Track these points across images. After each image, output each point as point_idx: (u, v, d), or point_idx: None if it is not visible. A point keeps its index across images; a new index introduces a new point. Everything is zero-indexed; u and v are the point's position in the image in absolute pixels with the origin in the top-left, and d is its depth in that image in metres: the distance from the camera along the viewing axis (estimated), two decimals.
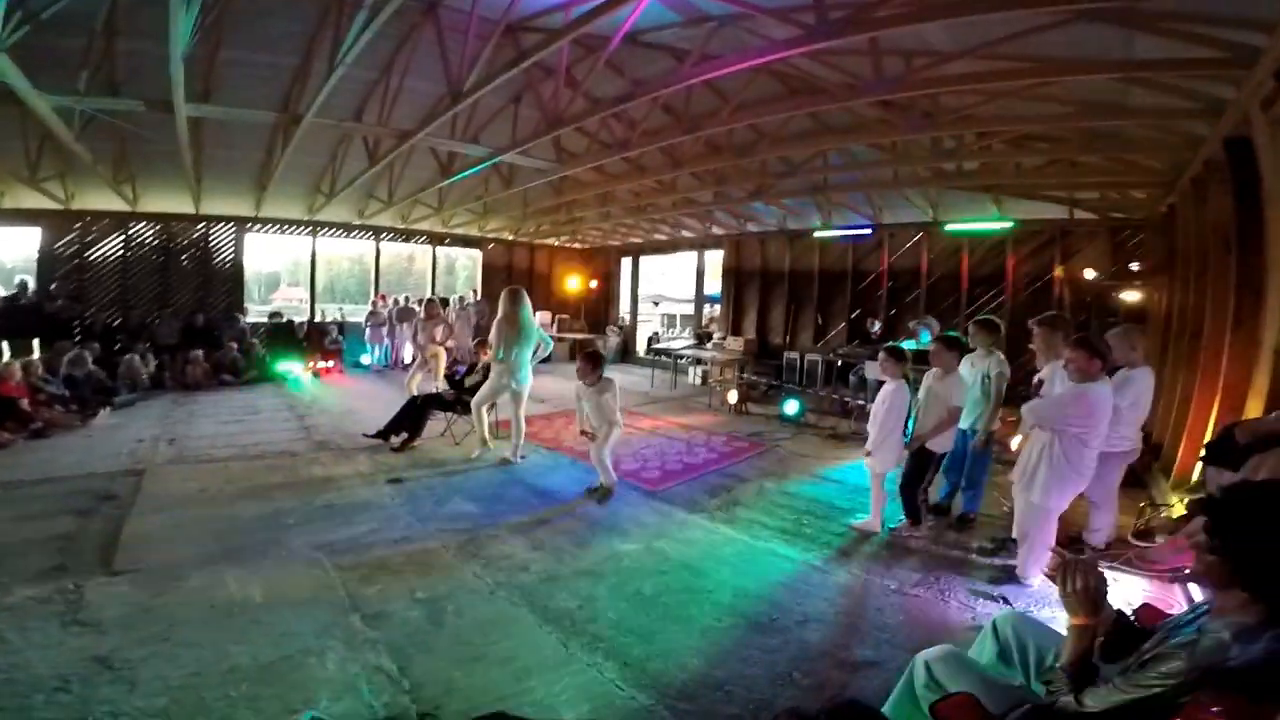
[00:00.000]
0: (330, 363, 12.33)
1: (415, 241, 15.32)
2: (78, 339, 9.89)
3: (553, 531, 4.60)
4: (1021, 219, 9.51)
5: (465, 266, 20.16)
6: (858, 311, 11.51)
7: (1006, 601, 3.64)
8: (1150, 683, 1.48)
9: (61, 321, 10.20)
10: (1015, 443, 4.94)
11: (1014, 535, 4.27)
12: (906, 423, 4.74)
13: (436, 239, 15.27)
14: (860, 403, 8.52)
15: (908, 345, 6.60)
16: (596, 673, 2.87)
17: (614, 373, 5.61)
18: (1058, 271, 9.47)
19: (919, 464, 4.61)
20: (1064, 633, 2.12)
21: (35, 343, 9.58)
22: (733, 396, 9.49)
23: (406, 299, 13.89)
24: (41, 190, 9.36)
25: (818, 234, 11.92)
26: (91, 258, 11.41)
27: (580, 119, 6.62)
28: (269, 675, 2.69)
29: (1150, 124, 5.77)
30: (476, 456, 6.43)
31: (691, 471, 6.28)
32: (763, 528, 4.81)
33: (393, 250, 16.32)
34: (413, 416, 6.92)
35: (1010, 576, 3.92)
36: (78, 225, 11.14)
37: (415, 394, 7.72)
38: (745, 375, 10.56)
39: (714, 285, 15.55)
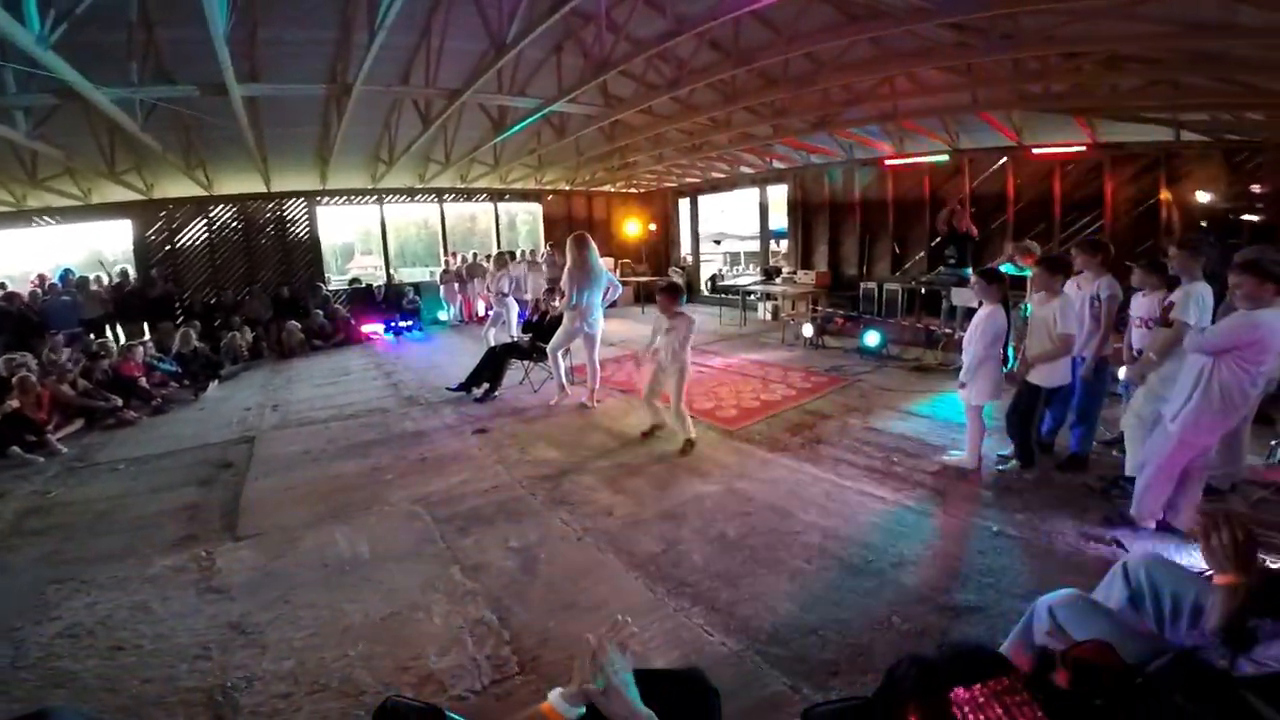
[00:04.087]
0: (410, 321, 12.81)
1: (476, 200, 15.41)
2: (180, 319, 10.64)
3: (633, 475, 4.65)
4: (1120, 141, 8.62)
5: (525, 221, 20.19)
6: (938, 239, 10.81)
7: (1121, 546, 3.38)
8: None
9: (165, 304, 11.00)
10: (1122, 372, 4.51)
11: (1127, 473, 3.97)
12: (1006, 352, 4.42)
13: (496, 195, 15.31)
14: (949, 331, 8.09)
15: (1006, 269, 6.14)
16: (684, 618, 2.88)
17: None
18: (1164, 195, 8.55)
19: (1029, 397, 4.26)
20: (1201, 578, 1.94)
21: (145, 326, 10.35)
22: (808, 330, 9.20)
23: (474, 255, 14.12)
24: (122, 183, 9.91)
25: (889, 162, 11.17)
26: (180, 242, 12.11)
27: (626, 61, 6.38)
28: (381, 633, 2.85)
29: (1265, 44, 4.99)
30: (555, 403, 6.57)
31: (770, 409, 6.16)
32: (850, 466, 4.67)
33: (455, 211, 16.52)
34: (492, 367, 7.10)
35: (1124, 519, 3.61)
36: (163, 213, 11.79)
37: (493, 344, 7.89)
38: (820, 308, 10.19)
39: (778, 220, 14.97)
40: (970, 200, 10.35)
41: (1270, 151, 7.61)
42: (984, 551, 3.40)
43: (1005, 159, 9.99)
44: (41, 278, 10.61)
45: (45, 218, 10.90)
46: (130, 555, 3.69)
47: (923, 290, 9.63)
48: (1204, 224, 7.92)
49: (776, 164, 13.23)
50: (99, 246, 15.63)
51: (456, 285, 13.79)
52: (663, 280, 6.96)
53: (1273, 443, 4.29)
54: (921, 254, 11.25)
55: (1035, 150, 9.40)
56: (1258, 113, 7.06)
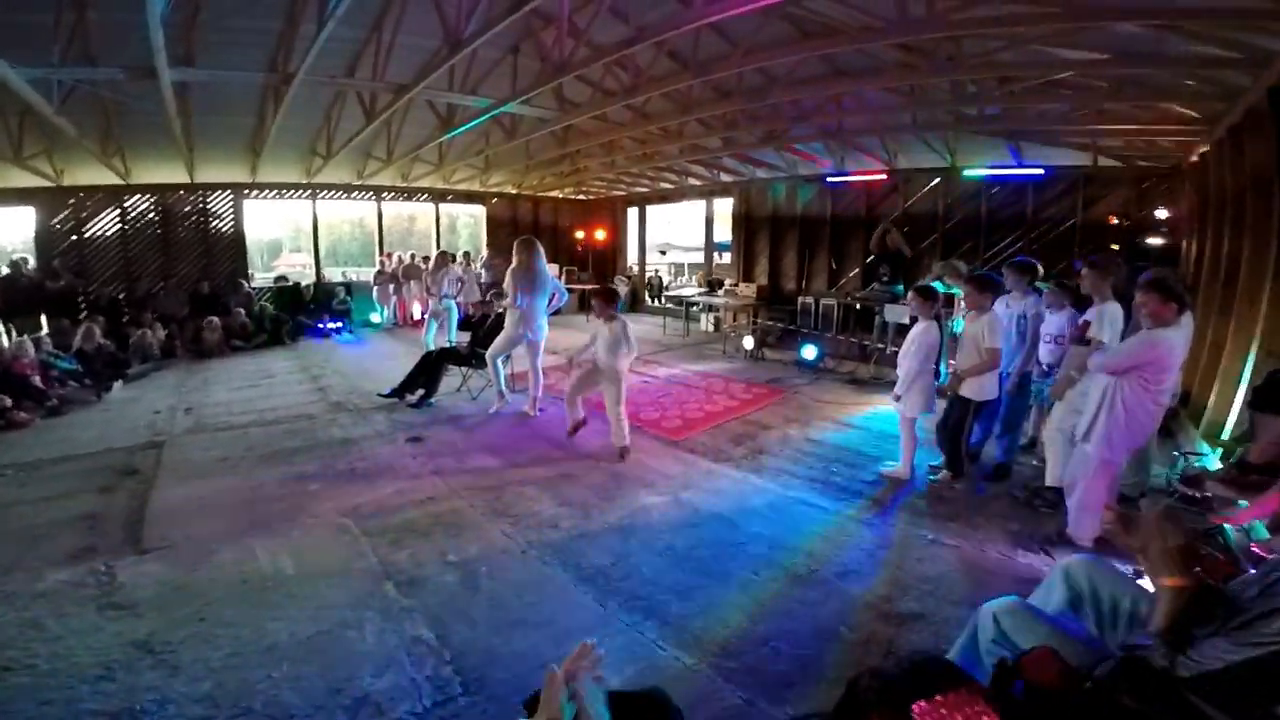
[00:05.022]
0: (339, 323, 12.25)
1: (417, 200, 14.94)
2: (84, 314, 9.81)
3: (577, 485, 4.55)
4: (1043, 164, 9.20)
5: (467, 225, 19.79)
6: (872, 257, 11.21)
7: (1048, 554, 3.55)
8: (1266, 640, 1.36)
9: (66, 298, 10.08)
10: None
11: (1048, 483, 4.22)
12: (938, 366, 4.58)
13: (438, 196, 14.88)
14: (880, 347, 8.36)
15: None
16: (637, 633, 2.83)
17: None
18: (1079, 217, 9.18)
19: (959, 410, 4.41)
20: (1139, 581, 2.01)
21: (43, 320, 9.48)
22: (749, 342, 9.34)
23: (412, 256, 13.68)
24: (29, 168, 9.15)
25: (830, 179, 11.54)
26: (89, 233, 11.20)
27: (585, 65, 6.31)
28: (309, 652, 2.65)
29: (1185, 72, 5.44)
30: (494, 411, 6.37)
31: (713, 419, 6.19)
32: (792, 477, 4.73)
33: (394, 210, 15.99)
34: (428, 372, 6.85)
35: (1063, 538, 3.73)
36: (72, 201, 10.90)
37: (430, 348, 7.60)
38: (760, 321, 10.36)
39: (722, 233, 15.19)
40: (904, 219, 10.81)
41: (1176, 178, 8.24)
42: (922, 559, 3.50)
43: (938, 179, 10.47)
44: None
45: None
46: (17, 569, 3.29)
47: (858, 306, 9.93)
48: (1114, 246, 8.54)
49: (724, 177, 13.45)
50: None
51: (391, 287, 13.30)
52: (600, 286, 6.89)
53: (1175, 453, 4.59)
54: (857, 270, 11.64)
55: (966, 171, 9.89)
56: (1169, 138, 7.62)
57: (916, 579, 3.28)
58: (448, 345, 7.70)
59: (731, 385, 7.58)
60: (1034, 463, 4.89)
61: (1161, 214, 8.14)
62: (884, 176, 10.85)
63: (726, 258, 15.33)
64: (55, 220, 10.86)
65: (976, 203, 10.14)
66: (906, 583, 3.25)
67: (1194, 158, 7.35)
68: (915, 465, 4.71)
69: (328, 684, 2.45)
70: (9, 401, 6.23)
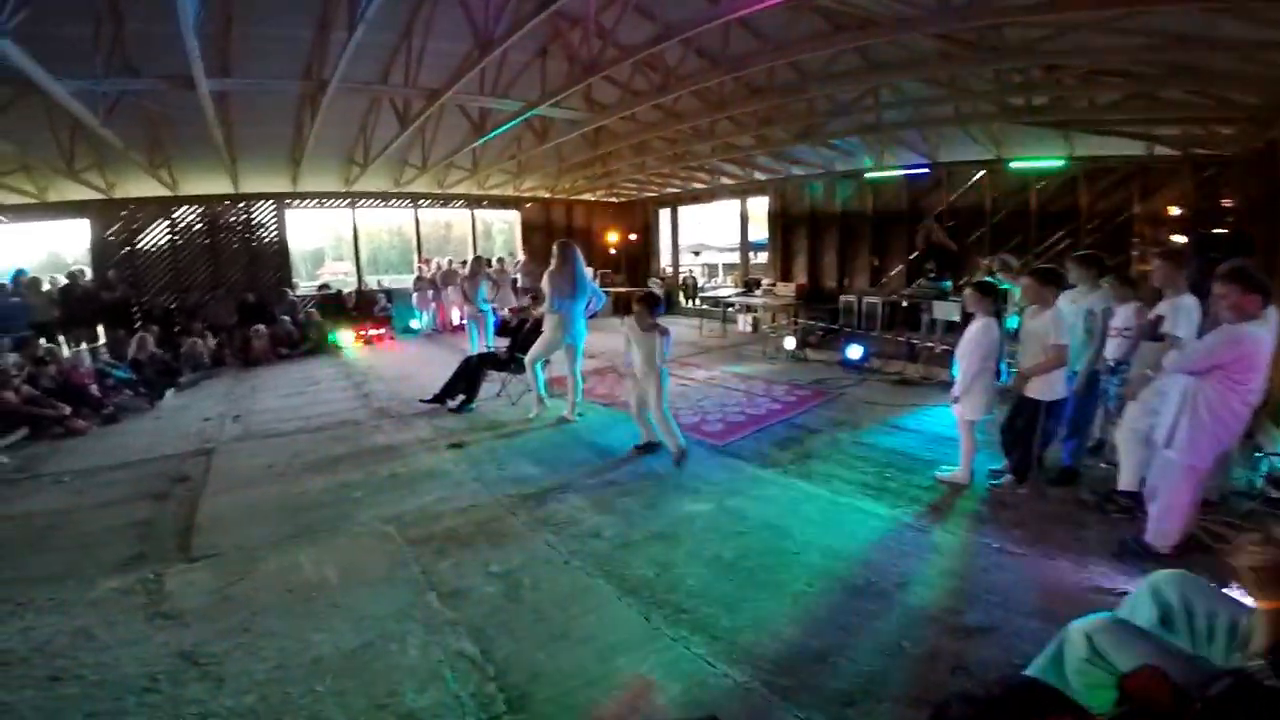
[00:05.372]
0: (381, 330, 12.42)
1: (453, 206, 15.11)
2: (137, 324, 10.12)
3: (620, 492, 4.44)
4: (1095, 155, 8.78)
5: (501, 230, 19.90)
6: (916, 253, 10.87)
7: (1124, 563, 3.32)
8: None
9: (121, 308, 10.41)
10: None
11: (1121, 488, 3.99)
12: (998, 365, 4.35)
13: (473, 202, 15.01)
14: (929, 345, 8.07)
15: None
16: (684, 648, 2.70)
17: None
18: (1137, 208, 8.72)
19: (1028, 412, 4.16)
20: (1234, 598, 1.86)
21: (99, 330, 9.81)
22: (790, 343, 9.12)
23: (450, 262, 13.82)
24: (82, 181, 9.45)
25: (870, 174, 11.24)
26: (141, 244, 11.56)
27: (612, 64, 6.26)
28: (352, 666, 2.60)
29: (1242, 57, 5.12)
30: (534, 416, 6.32)
31: (756, 423, 6.02)
32: (843, 482, 4.55)
33: (430, 217, 16.20)
34: (467, 378, 6.85)
35: (1140, 545, 3.49)
36: (123, 213, 11.26)
37: (470, 354, 7.62)
38: (800, 320, 10.14)
39: (757, 232, 14.98)
40: (949, 213, 10.46)
41: (1238, 166, 7.78)
42: (987, 569, 3.31)
43: (983, 172, 10.11)
44: None
45: None
46: (72, 576, 3.35)
47: (904, 303, 9.62)
48: (1177, 237, 8.10)
49: (758, 175, 13.24)
50: (58, 248, 14.97)
51: (430, 293, 13.44)
52: (640, 290, 6.79)
53: (1256, 455, 4.28)
54: (900, 267, 11.30)
55: (1013, 164, 9.52)
56: (1228, 127, 7.20)
57: (983, 590, 3.08)
58: (487, 350, 7.69)
59: (774, 387, 7.39)
60: (1102, 465, 4.62)
61: (1225, 203, 7.69)
62: (926, 170, 10.53)
63: (762, 257, 15.12)
64: (109, 232, 11.24)
65: (1025, 195, 9.77)
66: (972, 594, 3.05)
67: (1259, 144, 6.91)
68: (974, 469, 4.47)
69: (370, 700, 2.40)
70: (68, 410, 6.45)
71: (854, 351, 8.32)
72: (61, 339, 9.27)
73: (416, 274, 13.89)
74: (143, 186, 10.51)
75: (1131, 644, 1.74)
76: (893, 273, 11.48)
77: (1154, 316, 3.91)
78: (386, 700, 2.39)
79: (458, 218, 17.25)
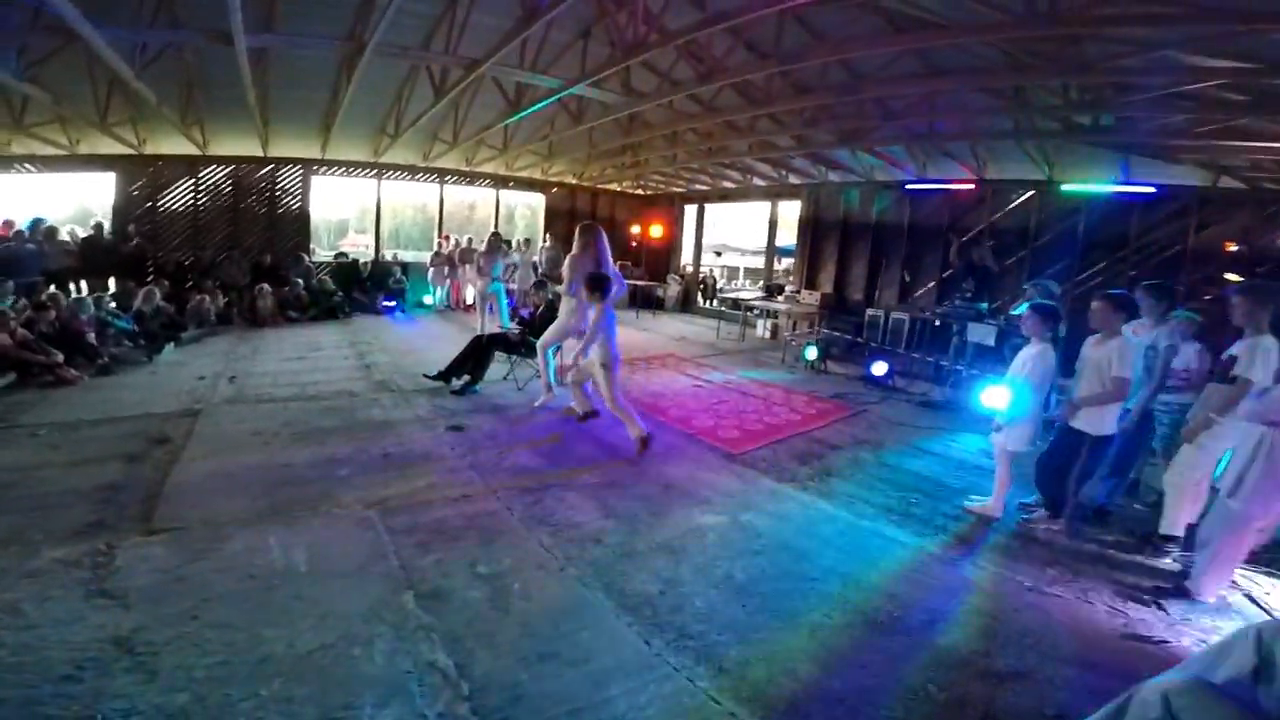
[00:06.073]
0: (394, 302, 12.26)
1: (479, 184, 14.89)
2: (150, 277, 9.98)
3: (624, 495, 4.11)
4: (1155, 182, 8.30)
5: (524, 215, 19.70)
6: (951, 270, 10.42)
7: (1162, 609, 3.12)
8: None
9: (136, 260, 10.34)
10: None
11: (1163, 531, 3.81)
12: (1049, 394, 4.01)
13: (500, 182, 14.78)
14: (958, 368, 7.66)
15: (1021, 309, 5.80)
16: (687, 679, 2.38)
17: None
18: (1191, 240, 8.24)
19: (1070, 444, 3.81)
20: None
21: (111, 281, 9.69)
22: (812, 353, 8.73)
23: (469, 240, 13.58)
24: (114, 135, 9.35)
25: (909, 186, 10.79)
26: (164, 200, 11.49)
27: (658, 46, 6.07)
28: (306, 669, 2.28)
29: None
30: (540, 404, 6.01)
31: (774, 433, 5.66)
32: (865, 504, 4.20)
33: (455, 197, 16.01)
34: (475, 357, 6.55)
35: (1169, 582, 3.38)
36: (150, 169, 11.19)
37: (480, 332, 7.33)
38: (823, 330, 9.75)
39: (785, 237, 14.59)
40: (990, 233, 10.01)
41: None
42: (1019, 609, 3.04)
43: (1032, 192, 9.66)
44: (9, 224, 9.88)
45: (27, 165, 10.22)
46: (16, 542, 3.03)
47: (937, 322, 9.19)
48: (1230, 275, 7.66)
49: (792, 179, 12.85)
50: (86, 201, 14.92)
51: (447, 269, 13.27)
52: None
53: None
54: (932, 284, 10.86)
55: (1065, 185, 9.08)
56: None
57: (1015, 631, 2.83)
58: (499, 330, 7.39)
59: (793, 397, 7.02)
60: (1136, 506, 4.37)
61: None
62: (972, 186, 10.08)
63: (787, 263, 14.71)
64: (134, 187, 11.17)
65: (1074, 220, 9.27)
66: (1004, 635, 2.80)
67: None
68: (1005, 502, 4.13)
69: (321, 711, 2.08)
70: (60, 357, 6.21)
71: (879, 368, 7.93)
72: (72, 287, 9.14)
73: (435, 250, 13.67)
74: (173, 144, 10.42)
75: (1219, 709, 1.59)
76: (924, 289, 11.04)
77: (1226, 357, 3.59)
78: (340, 713, 2.07)
79: (482, 199, 17.08)
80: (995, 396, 4.33)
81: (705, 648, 2.57)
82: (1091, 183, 8.83)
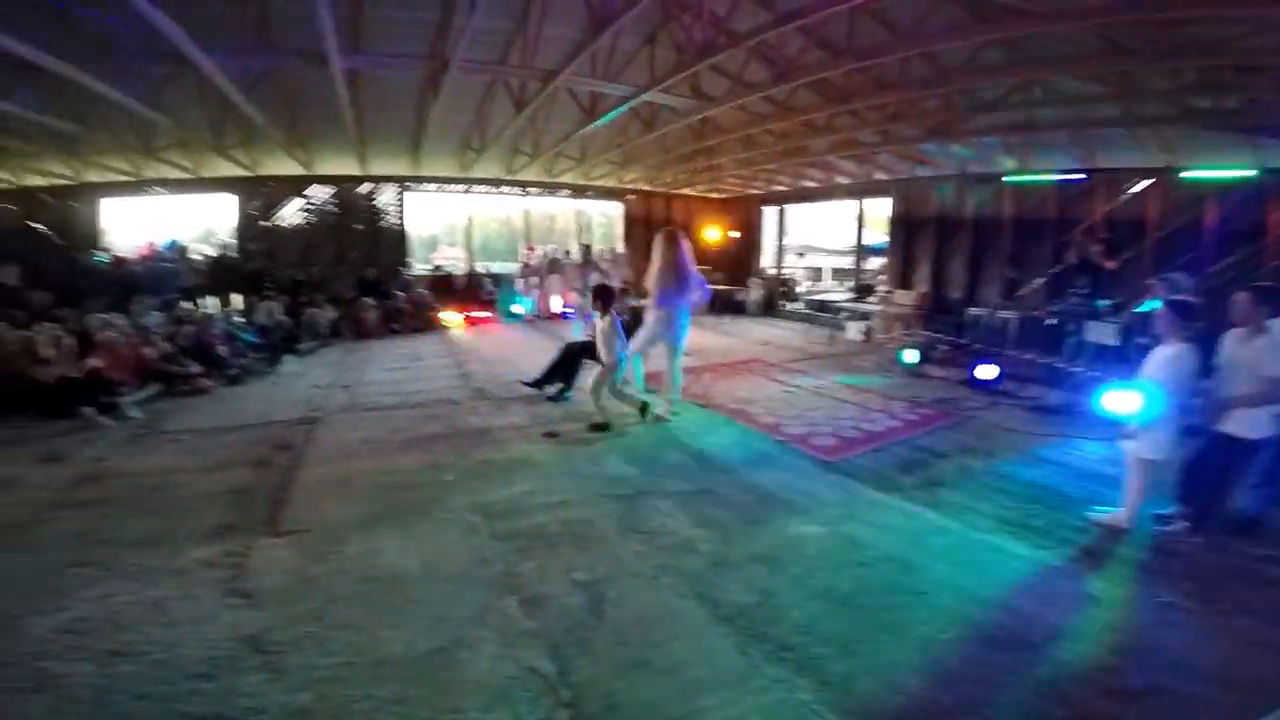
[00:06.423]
0: (486, 312, 12.72)
1: (559, 195, 15.30)
2: (268, 294, 10.85)
3: (718, 503, 4.05)
4: None
5: (600, 224, 20.04)
6: (1062, 266, 9.67)
7: None
8: None
9: (256, 277, 11.24)
10: None
11: None
12: (1189, 398, 3.63)
13: (579, 191, 15.12)
14: (1075, 370, 7.09)
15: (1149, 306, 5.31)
16: (786, 691, 2.32)
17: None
18: None
19: (1220, 450, 3.47)
20: None
21: (233, 298, 10.59)
22: (912, 356, 8.32)
23: (555, 250, 13.93)
24: (229, 157, 10.19)
25: (1009, 177, 10.12)
26: (277, 219, 12.49)
27: (728, 48, 6.08)
28: (419, 672, 2.38)
29: None
30: (629, 411, 6.04)
31: (873, 440, 5.43)
32: (977, 515, 3.93)
33: (539, 208, 16.50)
34: (566, 366, 6.68)
35: None
36: (263, 190, 12.18)
37: (570, 341, 7.50)
38: (916, 332, 9.28)
39: (872, 236, 14.06)
40: (1104, 225, 9.23)
41: None
42: (1153, 625, 2.80)
43: (1150, 181, 8.82)
44: (150, 245, 11.05)
45: (158, 188, 11.41)
46: (163, 541, 3.35)
47: (1048, 321, 8.54)
48: None
49: (878, 175, 12.35)
50: (210, 221, 16.46)
51: (535, 280, 13.60)
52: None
53: None
54: (1041, 281, 10.10)
55: (1187, 173, 8.25)
56: None
57: (1147, 648, 2.63)
58: (588, 340, 7.53)
59: (892, 403, 6.71)
60: None
61: None
62: (1081, 176, 9.33)
63: (875, 262, 14.15)
64: (250, 207, 12.20)
65: (1199, 209, 8.38)
66: (1134, 652, 2.61)
67: None
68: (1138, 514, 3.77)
69: (432, 713, 2.17)
70: (197, 368, 6.85)
71: (986, 371, 7.43)
72: (204, 302, 10.08)
73: (522, 261, 14.10)
74: (280, 165, 11.22)
75: None
76: (1031, 286, 10.30)
77: None
78: (448, 716, 2.15)
79: (561, 211, 17.56)
80: (1122, 400, 3.96)
81: (806, 660, 2.49)
82: (1219, 169, 7.99)
